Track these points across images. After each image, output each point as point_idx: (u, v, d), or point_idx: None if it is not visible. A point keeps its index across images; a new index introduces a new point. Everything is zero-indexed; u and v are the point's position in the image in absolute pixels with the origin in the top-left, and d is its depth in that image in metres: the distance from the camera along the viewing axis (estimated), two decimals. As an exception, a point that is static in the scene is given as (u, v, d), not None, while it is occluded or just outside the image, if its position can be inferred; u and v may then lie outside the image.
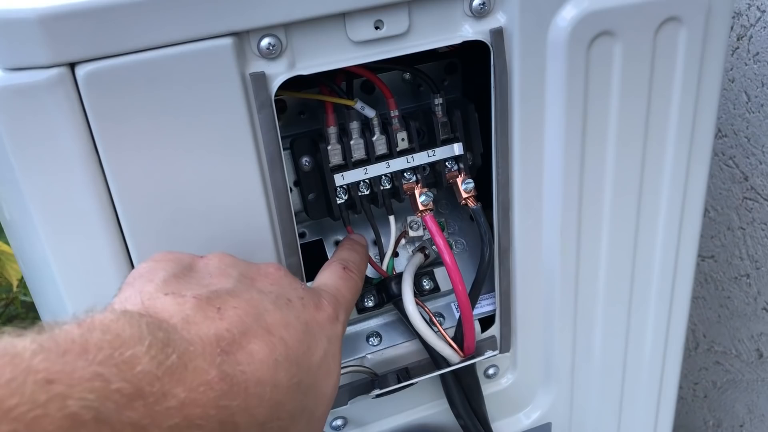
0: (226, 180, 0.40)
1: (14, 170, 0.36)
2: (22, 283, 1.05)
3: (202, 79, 0.37)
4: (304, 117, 0.50)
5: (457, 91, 0.53)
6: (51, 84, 0.35)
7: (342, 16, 0.39)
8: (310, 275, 0.52)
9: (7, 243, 0.98)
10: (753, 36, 0.76)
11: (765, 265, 0.85)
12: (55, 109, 0.35)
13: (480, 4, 0.41)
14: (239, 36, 0.37)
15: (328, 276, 0.43)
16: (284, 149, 0.47)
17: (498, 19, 0.42)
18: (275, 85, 0.39)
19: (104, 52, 0.35)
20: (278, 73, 0.39)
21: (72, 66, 0.35)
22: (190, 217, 0.40)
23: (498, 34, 0.42)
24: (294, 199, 0.49)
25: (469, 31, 0.42)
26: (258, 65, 0.39)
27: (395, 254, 0.53)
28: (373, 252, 0.53)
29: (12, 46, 0.34)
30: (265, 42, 0.38)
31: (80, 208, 0.38)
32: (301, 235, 0.53)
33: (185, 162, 0.39)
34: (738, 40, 0.78)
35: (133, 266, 0.40)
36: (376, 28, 0.40)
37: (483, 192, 0.49)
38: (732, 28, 0.78)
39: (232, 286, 0.34)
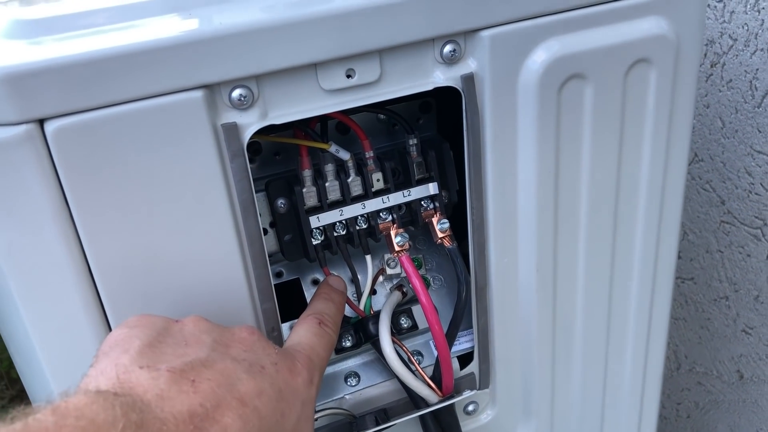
0: (200, 229, 0.40)
1: (-17, 226, 0.36)
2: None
3: (174, 132, 0.37)
4: (280, 158, 0.50)
5: (432, 129, 0.53)
6: (20, 140, 0.35)
7: (314, 66, 0.39)
8: (288, 314, 0.52)
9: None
10: (726, 63, 0.77)
11: (743, 288, 0.86)
12: (24, 165, 0.35)
13: (451, 50, 0.42)
14: (210, 88, 0.37)
15: (303, 333, 0.43)
16: (259, 191, 0.48)
17: (469, 65, 0.43)
18: (247, 134, 0.39)
19: (73, 108, 0.35)
20: (250, 123, 0.39)
21: (41, 122, 0.35)
22: (165, 267, 0.40)
23: (469, 79, 0.42)
24: (270, 240, 0.49)
25: (441, 77, 0.42)
26: (230, 116, 0.39)
27: (373, 292, 0.53)
28: (350, 291, 0.53)
29: (-20, 103, 0.34)
30: (236, 93, 0.38)
31: (52, 262, 0.37)
32: (278, 275, 0.53)
33: (158, 213, 0.39)
34: (711, 67, 0.79)
35: (107, 319, 0.40)
36: (348, 76, 0.40)
37: (461, 227, 0.49)
38: (705, 55, 0.79)
39: (206, 356, 0.34)
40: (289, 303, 0.53)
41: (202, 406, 0.31)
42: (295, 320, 0.52)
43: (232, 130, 0.38)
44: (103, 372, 0.32)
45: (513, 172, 0.46)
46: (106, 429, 0.26)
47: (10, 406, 1.47)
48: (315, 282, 0.54)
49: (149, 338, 0.34)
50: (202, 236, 0.40)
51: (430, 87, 0.42)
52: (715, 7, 0.76)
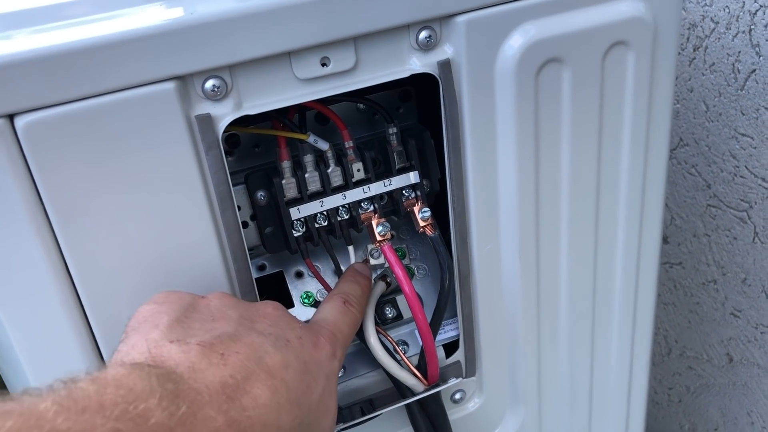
0: (178, 222, 0.40)
1: (-44, 225, 0.36)
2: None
3: (147, 124, 0.37)
4: (259, 150, 0.50)
5: (413, 118, 0.53)
6: (-11, 136, 0.34)
7: (287, 55, 0.39)
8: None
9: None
10: (708, 47, 0.77)
11: (731, 271, 0.86)
12: (-5, 161, 0.35)
13: (426, 37, 0.41)
14: (182, 79, 0.37)
15: (328, 310, 0.43)
16: (239, 183, 0.47)
17: (445, 51, 0.42)
18: (222, 125, 0.39)
19: (44, 102, 0.35)
20: (224, 113, 0.39)
21: (11, 117, 0.34)
22: (142, 261, 0.40)
23: (446, 65, 0.42)
24: (251, 233, 0.48)
25: (417, 63, 0.42)
26: (203, 107, 0.38)
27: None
28: (333, 282, 0.52)
29: (-53, 99, 0.34)
30: (209, 84, 0.38)
31: (28, 258, 0.37)
32: (261, 267, 0.53)
33: (134, 207, 0.38)
34: (694, 50, 0.79)
35: (85, 313, 0.39)
36: (323, 65, 0.40)
37: (444, 215, 0.49)
38: (688, 39, 0.79)
39: (233, 330, 0.35)
40: (273, 295, 0.53)
41: (232, 377, 0.32)
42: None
43: (206, 121, 0.38)
44: (135, 346, 0.33)
45: (493, 158, 0.46)
46: (144, 398, 0.28)
47: None
48: (299, 274, 0.53)
49: (177, 314, 0.35)
50: (179, 230, 0.40)
51: (406, 74, 0.42)
52: (694, -12, 0.76)
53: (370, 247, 0.53)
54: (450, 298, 0.49)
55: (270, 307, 0.39)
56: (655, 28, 0.46)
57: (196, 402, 0.30)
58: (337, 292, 0.45)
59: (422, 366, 0.49)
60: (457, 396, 0.54)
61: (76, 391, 0.27)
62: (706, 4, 0.75)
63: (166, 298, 0.37)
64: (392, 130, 0.48)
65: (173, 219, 0.40)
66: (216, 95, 0.38)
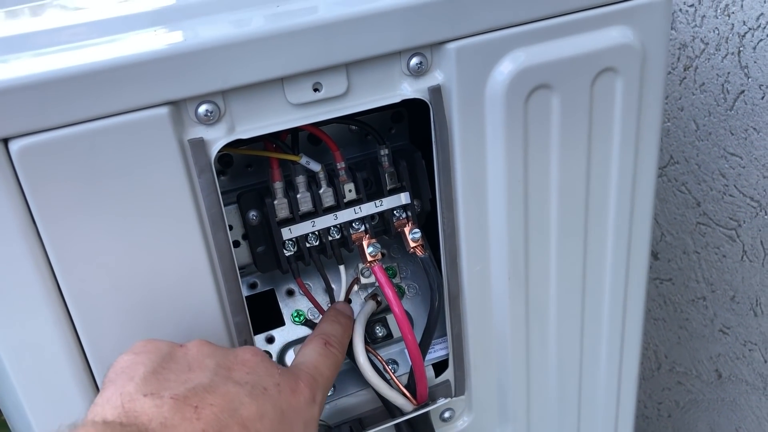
0: (170, 244, 0.40)
1: (-51, 247, 0.36)
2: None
3: (140, 149, 0.37)
4: (252, 169, 0.50)
5: (405, 138, 0.54)
6: (-16, 160, 0.35)
7: (280, 81, 0.39)
8: (264, 325, 0.52)
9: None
10: (698, 67, 0.78)
11: (720, 288, 0.87)
12: (-12, 185, 0.35)
13: (417, 63, 0.42)
14: (176, 104, 0.37)
15: (309, 353, 0.43)
16: (231, 203, 0.48)
17: (436, 77, 0.43)
18: (215, 149, 0.39)
19: (38, 127, 0.35)
20: (217, 138, 0.39)
21: (5, 141, 0.35)
22: (135, 282, 0.40)
23: (436, 91, 0.43)
24: (243, 252, 0.49)
25: (408, 89, 0.43)
26: (196, 131, 0.39)
27: (348, 302, 0.53)
28: (324, 301, 0.53)
29: (-58, 123, 0.34)
30: (202, 109, 0.38)
31: (21, 281, 0.37)
32: (253, 285, 0.53)
33: (127, 229, 0.39)
34: (685, 70, 0.80)
35: (78, 337, 0.40)
36: (315, 90, 0.41)
37: (435, 235, 0.50)
38: (678, 59, 0.80)
39: (209, 381, 0.35)
40: (264, 313, 0.53)
41: None
42: (270, 331, 0.52)
43: (199, 145, 0.39)
44: (109, 400, 0.33)
45: (482, 181, 0.47)
46: None
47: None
48: (290, 292, 0.54)
49: (154, 364, 0.35)
50: (171, 251, 0.40)
51: (397, 99, 0.43)
52: (687, 11, 0.77)
53: (360, 266, 0.53)
54: (440, 317, 0.50)
55: (249, 353, 0.39)
56: (644, 54, 0.47)
57: None
58: (318, 333, 0.45)
59: (411, 385, 0.50)
60: (446, 415, 0.55)
61: None
62: (696, 25, 0.76)
63: (143, 348, 0.37)
64: (384, 151, 0.49)
65: (165, 240, 0.40)
66: (209, 120, 0.39)
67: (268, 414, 0.35)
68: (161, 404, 0.33)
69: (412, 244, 0.49)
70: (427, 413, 0.51)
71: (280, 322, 0.53)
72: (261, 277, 0.54)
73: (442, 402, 0.52)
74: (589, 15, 0.45)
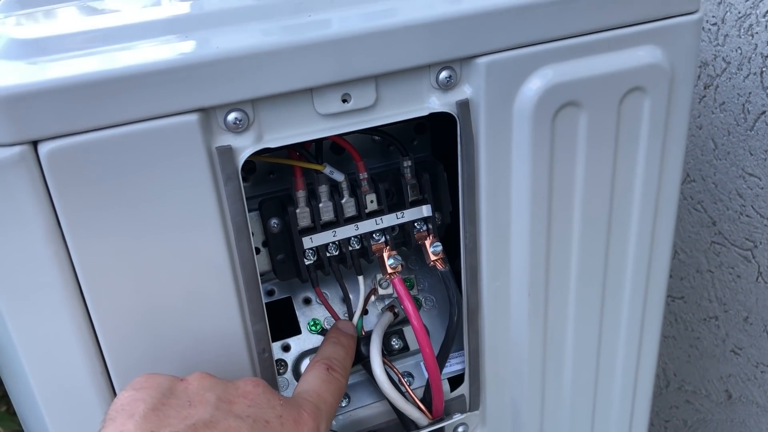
0: (193, 250, 0.40)
1: (-26, 248, 0.36)
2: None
3: (168, 154, 0.37)
4: (274, 177, 0.50)
5: (427, 150, 0.54)
6: (13, 162, 0.34)
7: (309, 91, 0.39)
8: (280, 333, 0.52)
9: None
10: (719, 86, 0.78)
11: (733, 308, 0.87)
12: (17, 187, 0.35)
13: (446, 77, 0.42)
14: (206, 111, 0.37)
15: (311, 380, 0.43)
16: (253, 210, 0.48)
17: (464, 91, 0.43)
18: (242, 158, 0.39)
19: (68, 130, 0.35)
20: (245, 146, 0.39)
21: (35, 144, 0.35)
22: (156, 288, 0.40)
23: (464, 105, 0.43)
24: (262, 259, 0.49)
25: (436, 103, 0.42)
26: (224, 139, 0.39)
27: (364, 312, 0.53)
28: (342, 311, 0.53)
29: (-26, 124, 0.34)
30: (231, 117, 0.38)
31: (44, 283, 0.37)
32: (270, 293, 0.53)
33: (150, 234, 0.39)
34: (705, 88, 0.80)
35: (97, 340, 0.40)
36: (344, 101, 0.40)
37: (453, 247, 0.49)
38: (699, 77, 0.80)
39: (210, 416, 0.35)
40: (281, 321, 0.53)
41: None
42: (286, 339, 0.52)
43: (227, 153, 0.38)
44: None
45: (506, 197, 0.46)
46: None
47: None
48: (306, 301, 0.54)
49: (154, 401, 0.35)
50: (194, 257, 0.40)
51: (425, 113, 0.42)
52: (710, 30, 0.76)
53: (379, 276, 0.53)
54: (456, 334, 0.49)
55: (250, 384, 0.39)
56: (672, 74, 0.47)
57: None
58: (320, 358, 0.45)
59: (427, 399, 0.49)
60: (460, 429, 0.54)
61: None
62: (718, 44, 0.76)
63: (144, 383, 0.37)
64: (407, 163, 0.48)
65: (188, 246, 0.40)
66: (238, 128, 0.38)
67: None
68: None
69: (433, 258, 0.49)
70: (441, 428, 0.51)
71: (296, 331, 0.52)
72: (278, 284, 0.54)
73: (457, 417, 0.51)
74: (619, 34, 0.45)
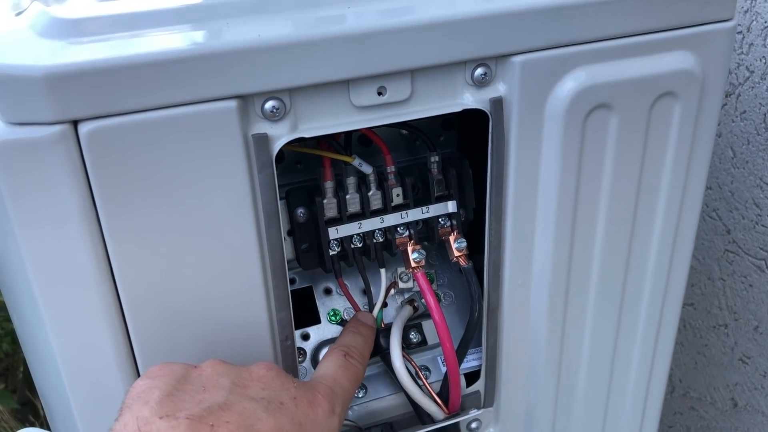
0: (223, 235, 0.40)
1: (12, 223, 0.36)
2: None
3: (205, 140, 0.37)
4: (301, 167, 0.50)
5: (453, 145, 0.54)
6: (53, 140, 0.35)
7: (346, 83, 0.39)
8: (300, 322, 0.52)
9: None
10: (741, 94, 0.78)
11: (743, 317, 0.87)
12: (56, 165, 0.35)
13: (482, 74, 0.42)
14: (244, 99, 0.38)
15: (328, 365, 0.43)
16: (280, 199, 0.48)
17: (498, 89, 0.43)
18: (277, 146, 0.39)
19: (108, 111, 0.35)
20: (280, 134, 0.39)
21: (75, 123, 0.35)
22: (185, 271, 0.40)
23: (498, 103, 0.43)
24: (286, 248, 0.49)
25: (470, 99, 0.43)
26: (261, 127, 0.39)
27: (384, 305, 0.53)
28: (362, 302, 0.53)
29: (17, 101, 0.34)
30: (269, 105, 0.38)
31: (76, 262, 0.38)
32: (291, 281, 0.54)
33: (183, 217, 0.39)
34: (726, 96, 0.80)
35: (125, 320, 0.40)
36: (379, 94, 0.41)
37: (474, 244, 0.50)
38: (721, 85, 0.80)
39: (224, 399, 0.35)
40: (301, 310, 0.53)
41: None
42: (306, 328, 0.52)
43: (263, 140, 0.39)
44: (126, 426, 0.34)
45: (533, 196, 0.46)
46: None
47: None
48: (327, 291, 0.54)
49: (169, 387, 0.36)
50: (224, 242, 0.40)
51: (458, 108, 0.43)
52: (734, 38, 0.76)
53: (400, 270, 0.53)
54: (476, 330, 0.50)
55: (263, 368, 0.39)
56: (704, 81, 0.47)
57: None
58: (338, 345, 0.45)
59: (443, 393, 0.50)
60: (473, 425, 0.55)
61: None
62: (742, 52, 0.76)
63: (158, 372, 0.37)
64: (434, 158, 0.49)
65: (220, 231, 0.40)
66: (274, 116, 0.39)
67: (285, 428, 0.35)
68: (177, 425, 0.33)
69: (456, 254, 0.49)
70: (456, 422, 0.51)
71: (316, 320, 0.53)
72: (299, 273, 0.54)
73: (474, 413, 0.52)
74: (653, 38, 0.45)
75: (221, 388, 0.36)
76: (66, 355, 0.40)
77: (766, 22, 0.73)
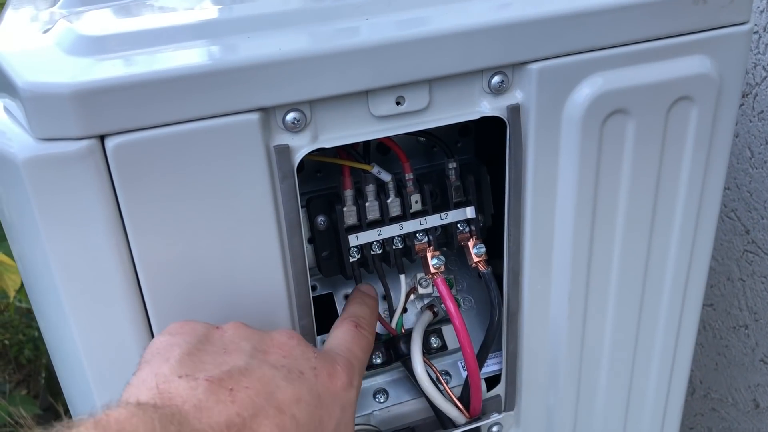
0: (247, 245, 0.41)
1: (41, 236, 0.37)
2: (19, 291, 1.05)
3: (228, 152, 0.38)
4: (321, 175, 0.51)
5: (470, 151, 0.54)
6: (81, 155, 0.36)
7: (365, 93, 0.40)
8: (321, 328, 0.53)
9: (6, 254, 0.98)
10: (758, 94, 0.77)
11: (764, 318, 0.86)
12: (83, 180, 0.36)
13: (499, 81, 0.42)
14: (266, 111, 0.38)
15: (340, 336, 0.43)
16: (300, 207, 0.48)
17: (515, 96, 0.43)
18: (298, 157, 0.40)
19: (134, 125, 0.36)
20: (301, 145, 0.40)
21: (102, 138, 0.36)
22: (209, 280, 0.41)
23: (515, 110, 0.43)
24: (307, 255, 0.49)
25: (487, 107, 0.43)
26: (282, 138, 0.39)
27: (404, 310, 0.53)
28: (382, 308, 0.53)
29: (45, 117, 0.35)
30: (290, 117, 0.39)
31: (103, 273, 0.39)
32: (312, 288, 0.54)
33: (208, 228, 0.40)
34: (743, 97, 0.79)
35: (151, 329, 0.41)
36: (398, 103, 0.41)
37: (493, 249, 0.50)
38: (738, 85, 0.79)
39: (245, 364, 0.35)
40: (322, 316, 0.54)
41: (239, 415, 0.32)
42: (327, 335, 0.53)
43: (284, 151, 0.39)
44: (144, 381, 0.33)
45: (552, 201, 0.47)
46: None
47: (17, 390, 1.49)
48: (347, 297, 0.54)
49: (189, 346, 0.35)
50: (248, 252, 0.41)
51: (476, 116, 0.43)
52: (751, 38, 0.76)
53: (419, 275, 0.54)
54: (497, 335, 0.50)
55: (285, 336, 0.39)
56: (720, 84, 0.47)
57: None
58: (347, 316, 0.45)
59: (465, 398, 0.50)
60: (494, 429, 0.55)
61: None
62: (759, 52, 0.76)
63: (180, 329, 0.37)
64: (452, 165, 0.49)
65: (243, 241, 0.41)
66: (295, 127, 0.39)
67: (304, 398, 0.35)
68: (196, 386, 0.32)
69: (476, 259, 0.49)
70: (478, 427, 0.52)
71: (337, 326, 0.53)
72: (320, 280, 0.55)
73: (495, 417, 0.52)
74: (669, 43, 0.45)
75: (242, 352, 0.36)
76: (92, 361, 0.41)
77: (782, 21, 0.73)
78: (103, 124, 0.36)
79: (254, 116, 0.38)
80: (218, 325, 0.38)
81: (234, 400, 0.32)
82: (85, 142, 0.36)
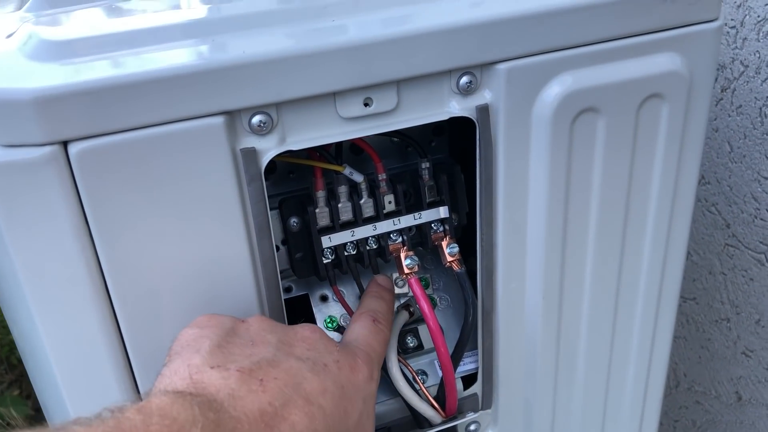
0: (215, 249, 0.41)
1: (6, 244, 0.37)
2: None
3: (193, 156, 0.38)
4: (294, 176, 0.51)
5: (444, 151, 0.54)
6: (44, 161, 0.35)
7: (333, 95, 0.40)
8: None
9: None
10: (736, 89, 0.78)
11: (745, 311, 0.87)
12: (47, 186, 0.36)
13: (467, 82, 0.42)
14: (231, 114, 0.38)
15: (359, 330, 0.44)
16: (273, 209, 0.48)
17: (484, 96, 0.43)
18: (265, 159, 0.40)
19: (97, 131, 0.36)
20: (268, 148, 0.40)
21: (65, 144, 0.36)
22: (178, 284, 0.41)
23: (484, 110, 0.43)
24: (281, 257, 0.49)
25: (456, 107, 0.43)
26: (249, 141, 0.39)
27: (381, 310, 0.53)
28: (356, 306, 0.53)
29: (7, 124, 0.35)
30: (256, 119, 0.39)
31: (71, 279, 0.38)
32: (287, 290, 0.54)
33: (175, 233, 0.40)
34: (722, 91, 0.80)
35: (121, 334, 0.41)
36: (366, 105, 0.41)
37: (468, 247, 0.50)
38: (716, 79, 0.80)
39: (272, 355, 0.36)
40: (298, 317, 0.54)
41: (271, 404, 0.33)
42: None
43: (251, 154, 0.39)
44: (177, 372, 0.34)
45: (523, 200, 0.47)
46: (187, 428, 0.29)
47: (8, 391, 1.49)
48: (323, 298, 0.54)
49: (218, 338, 0.36)
50: (217, 256, 0.41)
51: (445, 117, 0.43)
52: (728, 32, 0.76)
53: (395, 275, 0.54)
54: (471, 334, 0.50)
55: (308, 330, 0.40)
56: (691, 81, 0.47)
57: (236, 431, 0.31)
58: (365, 310, 0.46)
59: (440, 397, 0.50)
60: (472, 427, 0.55)
61: (123, 422, 0.28)
62: (737, 47, 0.76)
63: (207, 322, 0.38)
64: (425, 164, 0.49)
65: (212, 245, 0.41)
66: (262, 130, 0.39)
67: (329, 389, 0.36)
68: (228, 376, 0.33)
69: (449, 259, 0.49)
70: (454, 426, 0.52)
71: (313, 328, 0.53)
72: (295, 281, 0.54)
73: (471, 416, 0.52)
74: (638, 41, 0.45)
75: (269, 345, 0.37)
76: (62, 366, 0.40)
77: (759, 16, 0.73)
78: (65, 130, 0.35)
79: (219, 120, 0.37)
80: (243, 318, 0.40)
81: (265, 389, 0.34)
82: (47, 148, 0.35)
